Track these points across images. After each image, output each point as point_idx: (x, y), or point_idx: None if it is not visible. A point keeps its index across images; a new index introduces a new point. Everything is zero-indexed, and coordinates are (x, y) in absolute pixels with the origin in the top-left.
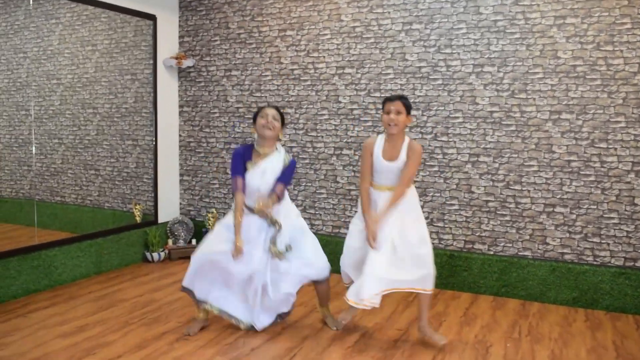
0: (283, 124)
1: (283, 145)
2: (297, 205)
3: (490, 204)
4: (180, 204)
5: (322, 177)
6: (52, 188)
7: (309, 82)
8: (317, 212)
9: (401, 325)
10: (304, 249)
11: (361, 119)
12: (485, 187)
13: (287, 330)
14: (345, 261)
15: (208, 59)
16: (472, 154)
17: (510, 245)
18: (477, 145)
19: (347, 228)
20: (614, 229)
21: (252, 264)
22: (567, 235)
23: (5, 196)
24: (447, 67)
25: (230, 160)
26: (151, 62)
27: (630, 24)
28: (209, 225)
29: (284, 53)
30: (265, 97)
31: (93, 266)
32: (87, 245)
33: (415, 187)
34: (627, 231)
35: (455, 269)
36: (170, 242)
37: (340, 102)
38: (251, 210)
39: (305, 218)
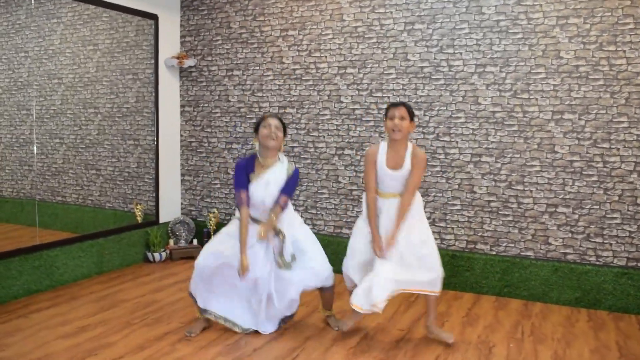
0: (285, 133)
1: (286, 155)
2: (299, 206)
3: (492, 204)
4: (182, 204)
5: (324, 177)
6: (53, 188)
7: (310, 82)
8: (318, 212)
9: (403, 326)
10: (309, 257)
11: (363, 119)
12: (487, 187)
13: (290, 331)
14: (349, 263)
15: (209, 58)
16: (475, 154)
17: (513, 245)
18: (479, 146)
19: (349, 228)
20: (617, 229)
21: (255, 271)
22: (570, 235)
23: (6, 196)
24: (450, 67)
25: (233, 173)
26: (152, 61)
27: (633, 24)
28: (211, 225)
29: (286, 53)
30: (267, 97)
31: (94, 266)
32: (89, 245)
33: (418, 187)
34: (629, 231)
35: (457, 269)
36: (171, 242)
37: (342, 102)
38: (255, 220)
39: (307, 218)
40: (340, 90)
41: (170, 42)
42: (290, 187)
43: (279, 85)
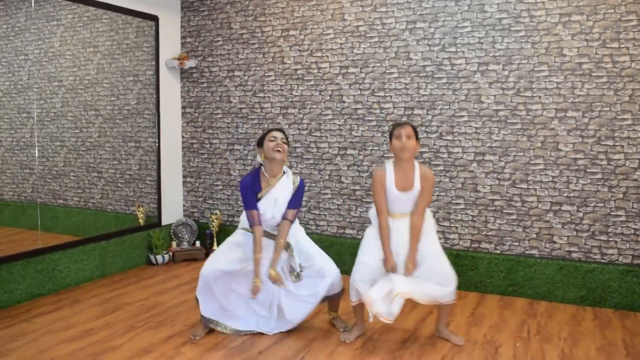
0: (288, 146)
1: (288, 156)
2: (302, 207)
3: (496, 203)
4: (184, 205)
5: (327, 177)
6: (54, 191)
7: (312, 82)
8: (321, 213)
9: (409, 326)
10: (317, 264)
11: (365, 118)
12: (491, 185)
13: (295, 332)
14: (357, 276)
15: (210, 59)
16: (478, 152)
17: (517, 244)
18: (482, 144)
19: (353, 229)
20: (622, 227)
21: (264, 285)
22: (574, 233)
23: (8, 199)
24: (452, 65)
25: (240, 192)
26: (153, 63)
27: (636, 20)
28: (213, 226)
29: (287, 53)
30: (269, 97)
31: (97, 269)
32: (91, 248)
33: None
34: (634, 229)
35: (461, 269)
36: (174, 244)
37: (344, 101)
38: (267, 234)
39: (310, 219)
40: (342, 90)
41: (170, 44)
42: (297, 200)
43: (281, 85)
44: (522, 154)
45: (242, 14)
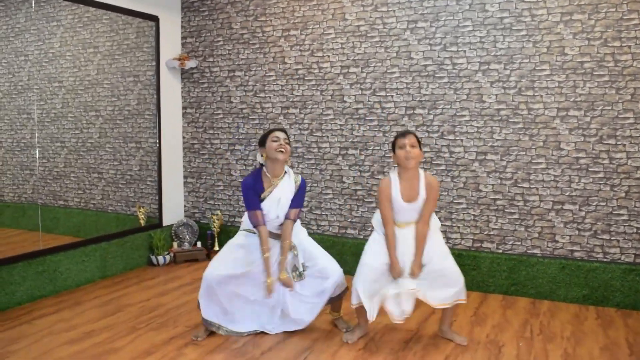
0: (290, 146)
1: (292, 168)
2: (304, 207)
3: (498, 202)
4: (185, 206)
5: (328, 177)
6: (54, 192)
7: (313, 82)
8: (323, 213)
9: (411, 326)
10: (319, 263)
11: (367, 118)
12: (493, 185)
13: (297, 333)
14: (360, 279)
15: (211, 59)
16: (480, 152)
17: (519, 243)
18: (484, 144)
19: (354, 229)
20: (624, 226)
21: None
22: (577, 232)
23: (8, 201)
24: (453, 65)
25: (242, 194)
26: (154, 63)
27: (638, 19)
28: (214, 227)
29: (288, 53)
30: (270, 97)
31: (98, 271)
32: (92, 249)
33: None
34: (637, 227)
35: (463, 268)
36: (175, 245)
37: (345, 101)
38: (271, 234)
39: (311, 219)
40: (343, 90)
41: (171, 44)
42: (299, 199)
43: (282, 85)
44: (523, 153)
45: (242, 14)
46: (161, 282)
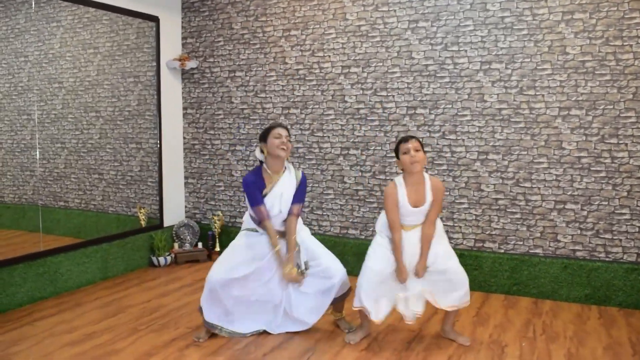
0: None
1: (290, 155)
2: (305, 207)
3: (500, 202)
4: (186, 207)
5: (329, 177)
6: (55, 193)
7: (314, 82)
8: (324, 213)
9: (414, 327)
10: (323, 262)
11: (368, 118)
12: (494, 185)
13: (299, 334)
14: (364, 283)
15: (212, 60)
16: (481, 151)
17: (521, 243)
18: (485, 143)
19: (356, 229)
20: (626, 225)
21: (270, 285)
22: (579, 232)
23: (9, 202)
24: (455, 64)
25: (244, 190)
26: (154, 64)
27: (639, 18)
28: (215, 228)
29: (289, 53)
30: (270, 97)
31: (99, 272)
32: (93, 250)
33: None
34: (639, 227)
35: (465, 268)
36: (176, 245)
37: (346, 101)
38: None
39: (312, 219)
40: (344, 90)
41: (171, 44)
42: (301, 194)
43: (282, 85)
44: (525, 152)
45: (243, 14)
46: (162, 283)
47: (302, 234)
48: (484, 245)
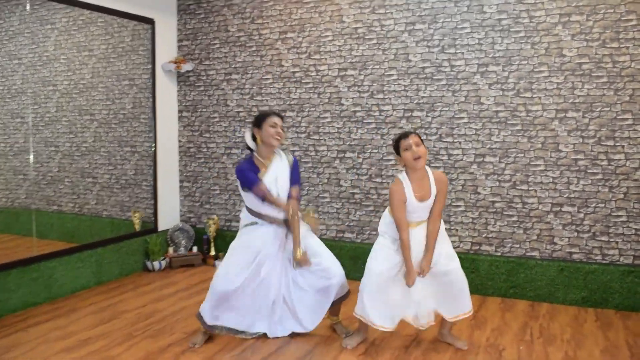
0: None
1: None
2: (300, 210)
3: (496, 205)
4: (181, 210)
5: (326, 180)
6: (49, 197)
7: (310, 85)
8: (320, 217)
9: (411, 331)
10: (323, 262)
11: (364, 121)
12: (491, 187)
13: (296, 339)
14: (367, 288)
15: (207, 62)
16: (478, 154)
17: (518, 245)
18: (482, 146)
19: (352, 232)
20: (622, 227)
21: (269, 280)
22: (575, 234)
23: (1, 206)
24: (451, 67)
25: (239, 177)
26: (149, 66)
27: (636, 20)
28: (210, 232)
29: (285, 55)
30: (266, 100)
31: (93, 277)
32: (87, 255)
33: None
34: (635, 229)
35: None
36: (171, 250)
37: (342, 104)
38: (268, 219)
39: None
40: (340, 93)
41: (167, 47)
42: (297, 176)
43: (279, 88)
44: (522, 155)
45: (239, 17)
46: (157, 288)
47: (302, 229)
48: (480, 248)
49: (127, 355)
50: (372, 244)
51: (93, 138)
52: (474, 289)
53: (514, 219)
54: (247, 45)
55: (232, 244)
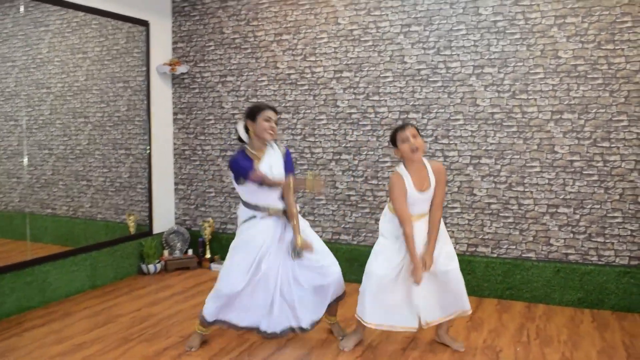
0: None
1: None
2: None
3: (492, 206)
4: (176, 213)
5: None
6: (43, 200)
7: (306, 87)
8: (316, 219)
9: (408, 333)
10: (321, 260)
11: (360, 123)
12: (487, 189)
13: (292, 342)
14: (367, 290)
15: (202, 64)
16: (474, 156)
17: (514, 247)
18: (478, 147)
19: (348, 234)
20: (618, 228)
21: (273, 272)
22: (571, 235)
23: None
24: (447, 69)
25: (233, 167)
26: (144, 68)
27: (631, 22)
28: (205, 234)
29: (280, 57)
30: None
31: (88, 280)
32: (82, 259)
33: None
34: (631, 230)
35: None
36: (166, 253)
37: (338, 106)
38: (265, 210)
39: None
40: (336, 95)
41: (161, 49)
42: (291, 165)
43: (274, 90)
44: (518, 156)
45: (234, 19)
46: (152, 292)
47: (302, 224)
48: (476, 249)
49: (123, 359)
50: (368, 246)
51: (87, 141)
52: (471, 291)
53: (510, 220)
54: (242, 47)
55: (233, 244)
